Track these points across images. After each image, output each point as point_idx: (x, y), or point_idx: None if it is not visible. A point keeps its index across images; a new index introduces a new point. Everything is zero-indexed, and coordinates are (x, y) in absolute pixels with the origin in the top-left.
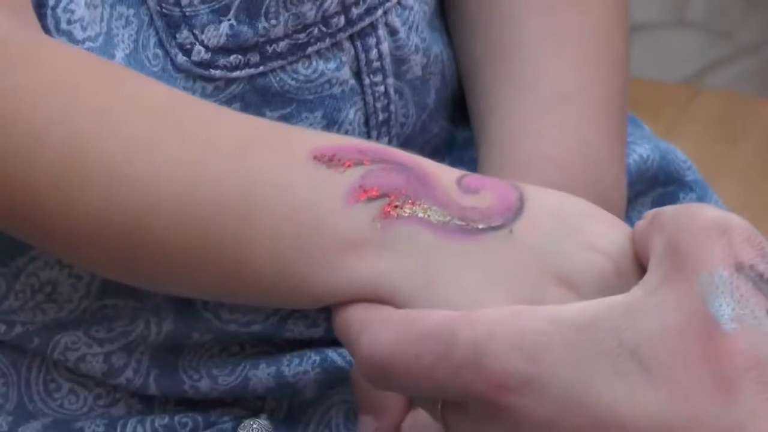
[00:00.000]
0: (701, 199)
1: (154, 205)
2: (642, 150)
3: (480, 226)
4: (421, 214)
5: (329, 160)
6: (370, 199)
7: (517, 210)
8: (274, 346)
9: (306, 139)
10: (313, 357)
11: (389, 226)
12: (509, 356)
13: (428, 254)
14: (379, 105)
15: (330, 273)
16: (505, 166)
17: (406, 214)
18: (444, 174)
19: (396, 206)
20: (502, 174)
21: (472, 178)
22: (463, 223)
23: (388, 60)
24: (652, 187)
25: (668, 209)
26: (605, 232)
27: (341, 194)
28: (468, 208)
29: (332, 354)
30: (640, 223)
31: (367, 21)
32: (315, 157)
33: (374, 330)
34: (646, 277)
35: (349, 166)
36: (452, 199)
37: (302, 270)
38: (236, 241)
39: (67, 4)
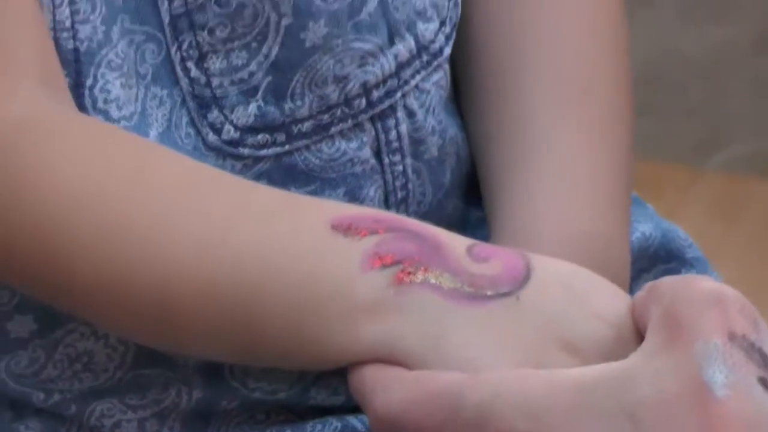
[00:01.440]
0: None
1: (179, 273)
2: (644, 228)
3: (488, 293)
4: (433, 281)
5: (346, 229)
6: (385, 266)
7: (524, 278)
8: (298, 415)
9: (324, 209)
10: (335, 423)
11: (403, 292)
12: (514, 417)
13: (439, 318)
14: (398, 183)
15: (346, 336)
16: (515, 242)
17: (419, 281)
18: (455, 243)
19: (409, 273)
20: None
21: (481, 247)
22: (473, 290)
23: (406, 141)
24: (654, 263)
25: (666, 280)
26: (608, 301)
27: (357, 261)
28: (477, 275)
29: (353, 420)
30: (639, 294)
31: (387, 103)
32: (333, 226)
33: (387, 389)
34: (643, 344)
35: (365, 234)
36: (463, 267)
37: (319, 334)
38: (256, 306)
39: (104, 84)
